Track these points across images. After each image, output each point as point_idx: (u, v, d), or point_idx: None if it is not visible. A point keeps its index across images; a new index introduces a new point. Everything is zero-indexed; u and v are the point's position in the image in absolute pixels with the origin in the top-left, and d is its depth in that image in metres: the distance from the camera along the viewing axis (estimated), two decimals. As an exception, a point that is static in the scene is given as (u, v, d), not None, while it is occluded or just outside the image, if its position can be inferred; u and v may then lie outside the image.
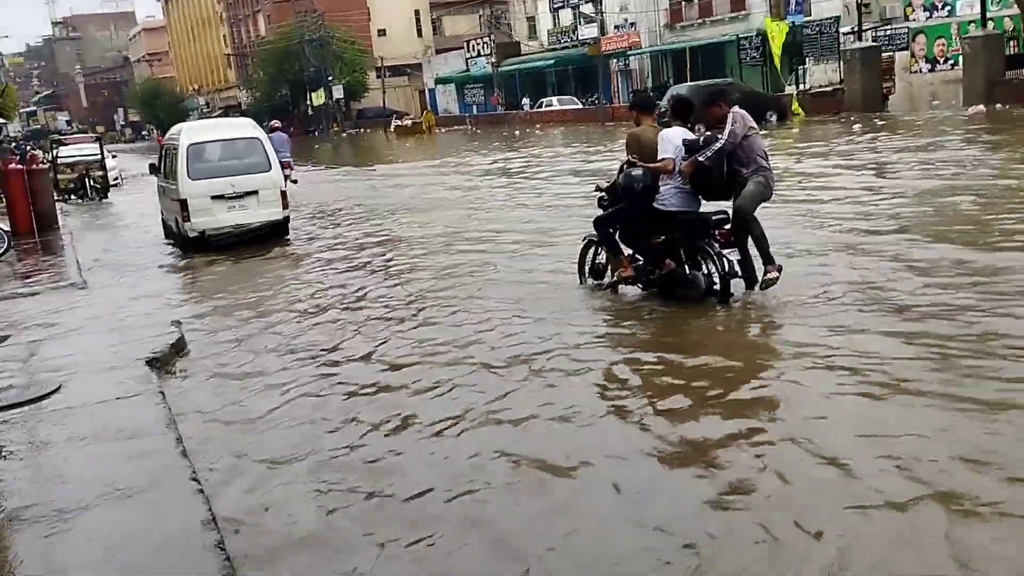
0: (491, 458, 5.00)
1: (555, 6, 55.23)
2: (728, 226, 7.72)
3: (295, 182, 18.67)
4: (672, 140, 7.76)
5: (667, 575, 3.73)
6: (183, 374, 7.27)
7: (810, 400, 5.36)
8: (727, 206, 7.75)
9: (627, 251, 8.29)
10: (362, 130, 64.09)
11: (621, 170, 8.11)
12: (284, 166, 15.96)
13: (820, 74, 31.56)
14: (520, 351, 6.89)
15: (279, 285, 10.78)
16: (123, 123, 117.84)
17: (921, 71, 38.66)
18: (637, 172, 7.84)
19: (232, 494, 4.84)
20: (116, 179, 30.22)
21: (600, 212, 8.51)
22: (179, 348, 7.90)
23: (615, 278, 8.34)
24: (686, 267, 7.91)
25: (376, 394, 6.34)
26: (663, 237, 7.91)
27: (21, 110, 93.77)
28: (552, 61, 53.82)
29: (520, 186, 19.37)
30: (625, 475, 4.63)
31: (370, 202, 19.08)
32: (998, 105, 22.89)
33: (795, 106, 29.60)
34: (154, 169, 15.46)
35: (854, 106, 27.13)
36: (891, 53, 31.68)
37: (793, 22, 31.31)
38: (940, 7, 37.95)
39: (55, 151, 27.37)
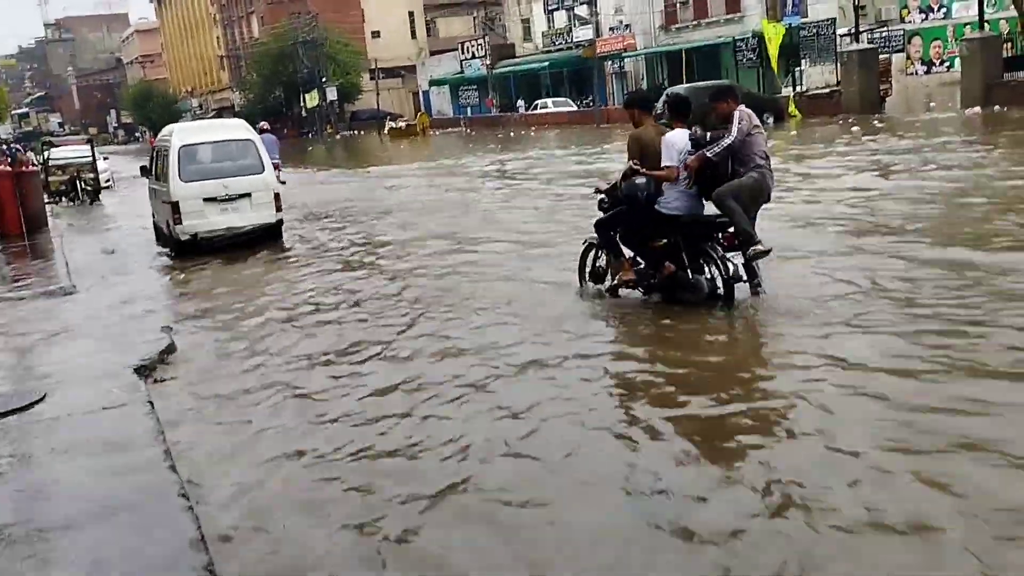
0: (492, 463, 4.84)
1: (550, 8, 55.04)
2: (731, 229, 7.54)
3: (283, 183, 18.46)
4: (675, 145, 7.56)
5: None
6: (173, 382, 7.04)
7: (817, 407, 5.18)
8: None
9: (628, 254, 8.11)
10: (356, 132, 63.90)
11: (625, 176, 7.89)
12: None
13: (817, 76, 31.47)
14: (518, 357, 6.70)
15: (272, 289, 10.55)
16: (116, 125, 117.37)
17: (917, 73, 38.57)
18: (641, 181, 7.64)
19: (223, 511, 4.63)
20: (108, 181, 29.95)
21: (601, 214, 8.34)
22: (169, 354, 7.68)
23: (616, 281, 8.14)
24: (689, 271, 7.73)
25: (374, 401, 6.13)
26: (665, 240, 7.73)
27: (13, 112, 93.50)
28: (547, 63, 53.68)
29: (517, 188, 19.20)
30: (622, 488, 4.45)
31: (365, 204, 18.87)
32: (996, 107, 22.80)
33: (792, 108, 29.49)
34: (145, 171, 15.22)
35: (851, 108, 27.02)
36: (888, 55, 31.58)
37: (790, 24, 31.19)
38: (936, 9, 37.87)
39: (46, 153, 27.10)
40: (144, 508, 4.49)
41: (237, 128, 14.74)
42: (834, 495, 4.13)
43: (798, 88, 31.15)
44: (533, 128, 44.89)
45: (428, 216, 15.66)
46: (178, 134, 13.89)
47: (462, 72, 61.36)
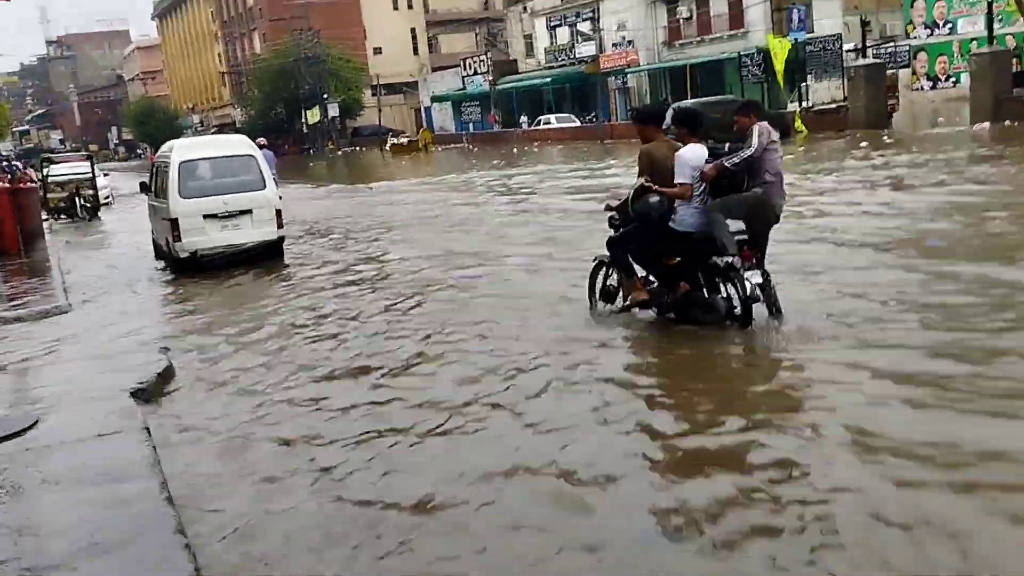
0: (495, 488, 4.56)
1: (552, 24, 55.08)
2: (747, 248, 7.25)
3: (280, 198, 18.22)
4: (690, 162, 7.29)
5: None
6: (170, 406, 6.74)
7: (834, 436, 4.92)
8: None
9: (641, 273, 7.83)
10: (357, 148, 63.78)
11: (636, 193, 7.61)
12: None
13: (823, 91, 31.28)
14: (526, 381, 6.42)
15: (273, 308, 10.27)
16: (116, 142, 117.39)
17: (922, 88, 38.39)
18: (654, 199, 7.35)
19: (222, 548, 4.33)
20: (107, 198, 29.76)
21: (611, 232, 8.06)
22: (166, 377, 7.39)
23: (628, 301, 7.85)
24: (704, 290, 7.45)
25: (381, 429, 5.84)
26: (679, 259, 7.46)
27: (14, 128, 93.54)
28: (549, 79, 53.59)
29: (523, 204, 18.94)
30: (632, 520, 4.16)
31: (368, 221, 18.63)
32: (1006, 122, 22.58)
33: (798, 123, 29.28)
34: (145, 187, 14.97)
35: (858, 123, 26.81)
36: (894, 70, 31.42)
37: (795, 39, 31.01)
38: (941, 25, 37.72)
39: (45, 170, 26.91)
40: (139, 544, 4.20)
41: (238, 144, 14.50)
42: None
43: (804, 103, 30.96)
44: (536, 144, 44.72)
45: (432, 232, 15.41)
46: (178, 150, 13.65)
47: (464, 88, 61.27)
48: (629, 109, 49.37)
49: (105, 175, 32.58)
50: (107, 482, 4.91)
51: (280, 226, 13.41)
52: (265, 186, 13.33)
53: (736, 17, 43.96)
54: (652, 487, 4.61)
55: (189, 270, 12.95)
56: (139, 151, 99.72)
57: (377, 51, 74.26)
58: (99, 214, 26.35)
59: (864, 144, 22.46)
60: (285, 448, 5.66)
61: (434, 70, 70.92)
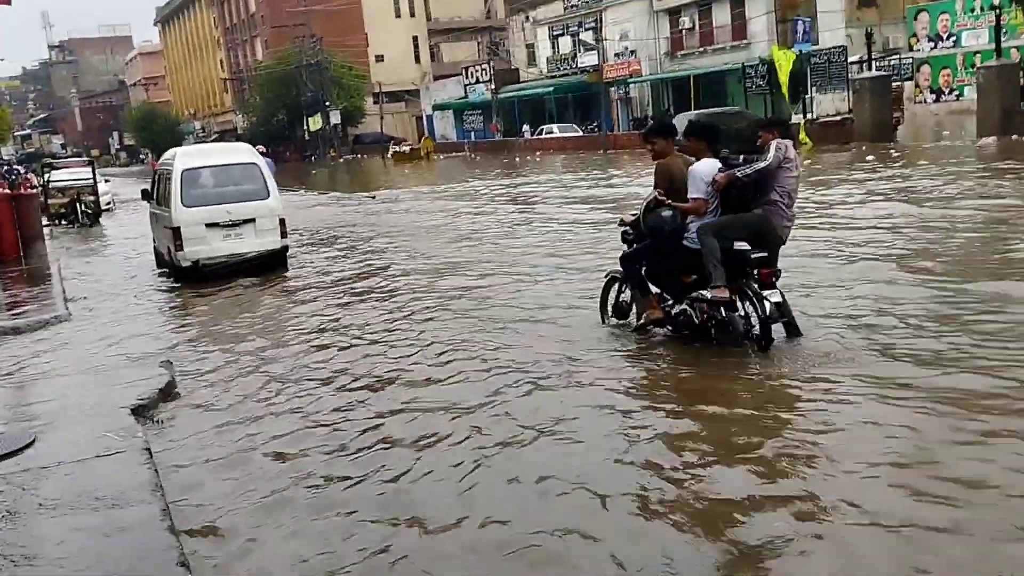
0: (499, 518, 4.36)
1: (555, 33, 55.01)
2: (767, 267, 7.06)
3: None
4: (704, 176, 7.11)
5: None
6: (172, 424, 6.54)
7: (852, 469, 4.72)
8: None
9: (655, 290, 7.64)
10: (359, 156, 63.66)
11: (648, 208, 7.43)
12: None
13: (827, 103, 31.15)
14: (536, 403, 6.22)
15: (278, 320, 10.09)
16: (118, 147, 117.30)
17: (926, 101, 38.29)
18: (667, 214, 7.18)
19: (227, 579, 4.15)
20: (108, 204, 29.62)
21: (624, 248, 7.89)
22: (168, 393, 7.20)
23: (643, 320, 7.66)
24: (722, 308, 7.26)
25: (387, 448, 5.66)
26: (695, 276, 7.27)
27: (15, 133, 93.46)
28: (551, 88, 53.50)
29: (527, 213, 18.78)
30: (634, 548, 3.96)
31: (371, 229, 18.47)
32: (1014, 136, 22.42)
33: (803, 135, 29.15)
34: (146, 195, 14.81)
35: (863, 136, 26.67)
36: (899, 83, 31.30)
37: (800, 50, 30.90)
38: (945, 38, 37.63)
39: (46, 175, 26.77)
40: (139, 576, 4.01)
41: (241, 152, 14.34)
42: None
43: (809, 115, 30.82)
44: (538, 153, 44.60)
45: (438, 242, 15.23)
46: (180, 158, 13.49)
47: (466, 97, 61.21)
48: (632, 119, 49.35)
49: (106, 181, 32.47)
50: (107, 507, 4.71)
51: (284, 235, 13.24)
52: (269, 195, 13.17)
53: (739, 28, 43.93)
54: (668, 527, 4.40)
55: (191, 279, 12.77)
56: (141, 156, 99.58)
57: (379, 59, 74.23)
58: (100, 220, 26.19)
59: (871, 157, 22.33)
60: (291, 467, 5.46)
61: (436, 78, 70.89)
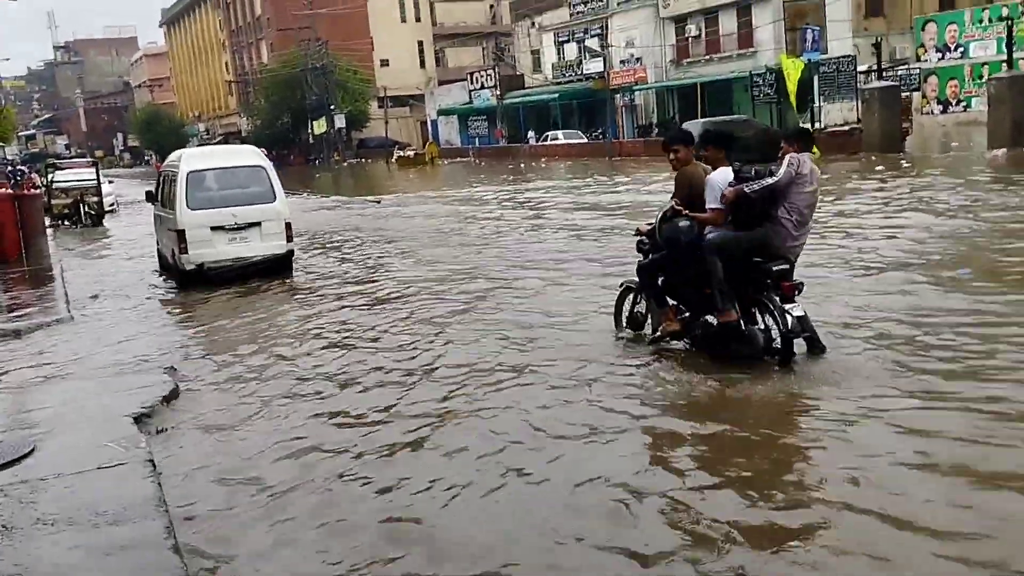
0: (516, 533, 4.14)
1: (560, 40, 54.87)
2: (788, 280, 6.86)
3: None
4: (721, 186, 6.91)
5: None
6: (176, 434, 6.35)
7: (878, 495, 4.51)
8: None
9: (670, 302, 7.45)
10: (363, 160, 63.55)
11: (664, 218, 7.24)
12: None
13: (835, 113, 30.97)
14: (547, 417, 6.03)
15: (284, 325, 9.90)
16: (122, 148, 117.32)
17: (933, 112, 38.16)
18: (684, 224, 6.98)
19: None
20: (112, 205, 29.47)
21: (640, 257, 7.70)
22: (172, 401, 7.01)
23: (659, 332, 7.45)
24: (741, 321, 7.06)
25: (396, 458, 5.48)
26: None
27: (20, 133, 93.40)
28: (556, 95, 53.34)
29: (536, 219, 18.59)
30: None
31: (377, 234, 18.30)
32: (1024, 148, 22.26)
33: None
34: (151, 197, 14.63)
35: (872, 146, 26.47)
36: (908, 93, 31.13)
37: (809, 59, 30.72)
38: (953, 49, 37.51)
39: (50, 176, 26.64)
40: (141, 599, 3.82)
41: (248, 154, 14.17)
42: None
43: (817, 125, 30.65)
44: (543, 159, 44.44)
45: (446, 248, 15.04)
46: (186, 160, 13.31)
47: (471, 102, 61.08)
48: (636, 127, 49.21)
49: (110, 182, 32.33)
50: (107, 523, 4.52)
51: (290, 239, 13.05)
52: (275, 198, 12.98)
53: (745, 37, 43.79)
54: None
55: (195, 283, 12.58)
56: (146, 158, 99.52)
57: (384, 63, 74.15)
58: (103, 221, 26.04)
59: (880, 167, 22.13)
60: (301, 480, 5.27)
61: (441, 83, 70.81)
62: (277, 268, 13.07)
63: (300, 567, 4.26)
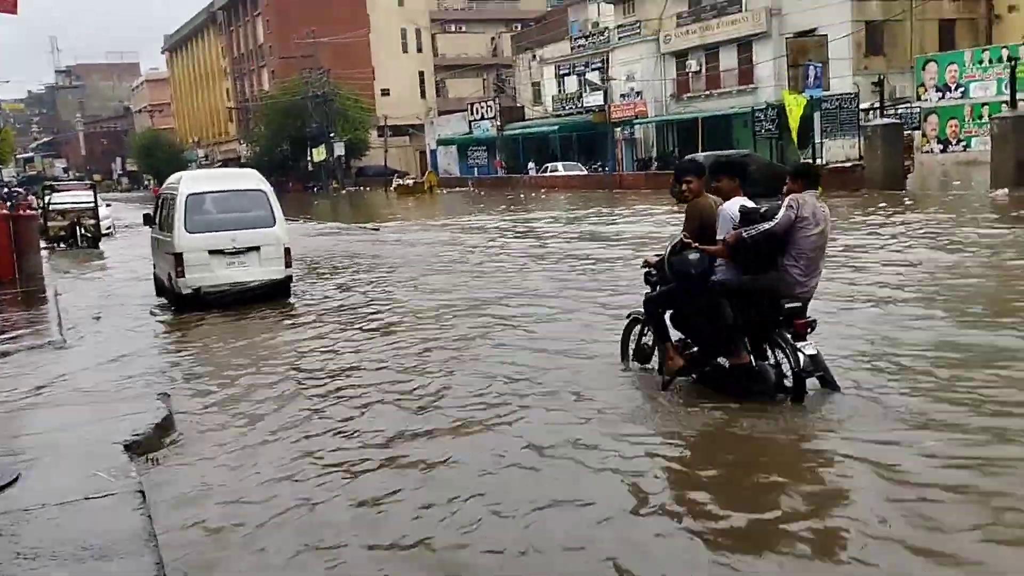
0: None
1: (561, 73, 55.13)
2: (800, 318, 6.64)
3: None
4: (733, 216, 6.73)
5: None
6: (168, 464, 6.09)
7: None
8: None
9: (676, 335, 7.22)
10: (362, 188, 63.55)
11: (674, 250, 7.03)
12: None
13: (836, 149, 30.96)
14: (547, 447, 5.82)
15: (281, 351, 9.65)
16: (121, 172, 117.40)
17: (933, 151, 38.26)
18: (694, 257, 6.75)
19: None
20: (109, 228, 29.26)
21: (648, 290, 7.49)
22: (165, 429, 6.75)
23: (665, 376, 7.16)
24: (751, 357, 6.85)
25: (399, 501, 5.22)
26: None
27: (18, 155, 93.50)
28: (556, 127, 53.50)
29: (539, 248, 18.40)
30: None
31: (376, 261, 18.10)
32: (1030, 188, 22.18)
33: (811, 181, 28.87)
34: (149, 220, 14.43)
35: (874, 183, 26.40)
36: (909, 132, 31.16)
37: (811, 95, 30.76)
38: (953, 88, 37.69)
39: (47, 198, 26.49)
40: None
41: (248, 178, 13.97)
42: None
43: (819, 161, 30.62)
44: (543, 191, 44.40)
45: (445, 276, 14.83)
46: (186, 182, 13.13)
47: (471, 132, 61.26)
48: (636, 160, 49.29)
49: (107, 205, 32.17)
50: (94, 558, 4.26)
51: (288, 265, 12.84)
52: (275, 223, 12.79)
53: (745, 73, 44.02)
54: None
55: (192, 307, 12.34)
56: (146, 183, 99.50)
57: (385, 92, 74.48)
58: (100, 244, 25.82)
59: (883, 204, 22.02)
60: (297, 516, 5.02)
61: (441, 113, 71.08)
62: (275, 293, 12.85)
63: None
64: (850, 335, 8.37)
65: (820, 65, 31.12)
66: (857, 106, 31.39)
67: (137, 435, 6.36)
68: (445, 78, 77.84)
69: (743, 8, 43.41)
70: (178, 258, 12.26)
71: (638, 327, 7.75)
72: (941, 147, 38.38)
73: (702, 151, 34.87)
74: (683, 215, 7.18)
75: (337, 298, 13.42)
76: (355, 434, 6.53)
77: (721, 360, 6.84)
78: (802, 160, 32.24)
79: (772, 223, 6.42)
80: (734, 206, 6.80)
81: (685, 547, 4.40)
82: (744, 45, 44.02)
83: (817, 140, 32.13)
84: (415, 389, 7.67)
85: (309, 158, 66.94)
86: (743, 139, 39.96)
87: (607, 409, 6.64)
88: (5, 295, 14.75)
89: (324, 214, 38.21)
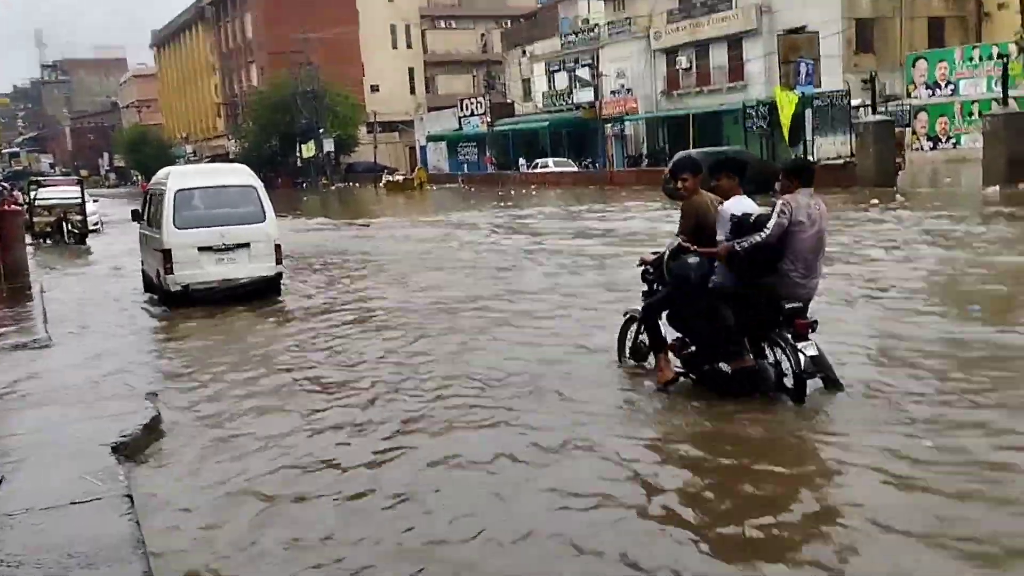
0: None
1: (551, 69, 54.95)
2: (801, 318, 6.52)
3: None
4: (736, 215, 6.60)
5: None
6: (158, 466, 5.94)
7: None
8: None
9: (675, 334, 7.10)
10: (351, 184, 63.26)
11: (672, 255, 6.89)
12: None
13: (827, 146, 30.93)
14: (540, 443, 5.72)
15: (270, 350, 9.48)
16: (108, 168, 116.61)
17: (923, 148, 38.32)
18: (693, 260, 6.65)
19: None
20: (96, 224, 28.95)
21: (644, 288, 7.37)
22: (154, 429, 6.59)
23: (657, 386, 7.02)
24: (750, 355, 6.75)
25: (393, 505, 5.09)
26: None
27: (3, 150, 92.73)
28: (547, 123, 53.34)
29: (532, 245, 18.25)
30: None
31: (367, 258, 17.92)
32: (1020, 185, 22.14)
33: (802, 178, 28.80)
34: (137, 215, 14.23)
35: (866, 180, 26.35)
36: (900, 129, 31.15)
37: (803, 92, 30.72)
38: (943, 86, 37.75)
39: (33, 193, 26.18)
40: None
41: (238, 173, 13.79)
42: None
43: (810, 158, 30.58)
44: (533, 187, 44.25)
45: (439, 273, 14.69)
46: (175, 177, 12.94)
47: (460, 129, 61.03)
48: (626, 156, 49.18)
49: (95, 201, 31.84)
50: (80, 566, 4.11)
51: (279, 261, 12.67)
52: (265, 218, 12.61)
53: (736, 70, 43.96)
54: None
55: (180, 304, 12.16)
56: (135, 178, 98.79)
57: (375, 88, 74.16)
58: (87, 240, 25.54)
59: (876, 201, 21.97)
60: (290, 516, 4.88)
61: (431, 109, 70.82)
62: (265, 290, 12.67)
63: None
64: (851, 332, 8.28)
65: (811, 62, 31.12)
66: (848, 103, 31.37)
67: (125, 436, 6.21)
68: (435, 74, 77.57)
69: (733, 5, 43.32)
70: (166, 254, 12.07)
71: (635, 325, 7.63)
72: (931, 144, 38.46)
73: (693, 148, 34.87)
74: (677, 213, 7.06)
75: (328, 295, 13.26)
76: (347, 430, 6.41)
77: (723, 365, 6.72)
78: (794, 157, 32.23)
79: (763, 235, 6.28)
80: (734, 205, 6.68)
81: (675, 551, 4.27)
82: (734, 42, 43.96)
83: (808, 137, 32.11)
84: (406, 382, 7.55)
85: (298, 154, 66.60)
86: (734, 136, 39.93)
87: (602, 409, 6.53)
88: (-10, 292, 14.52)
89: (313, 210, 37.94)
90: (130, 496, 5.00)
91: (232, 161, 63.18)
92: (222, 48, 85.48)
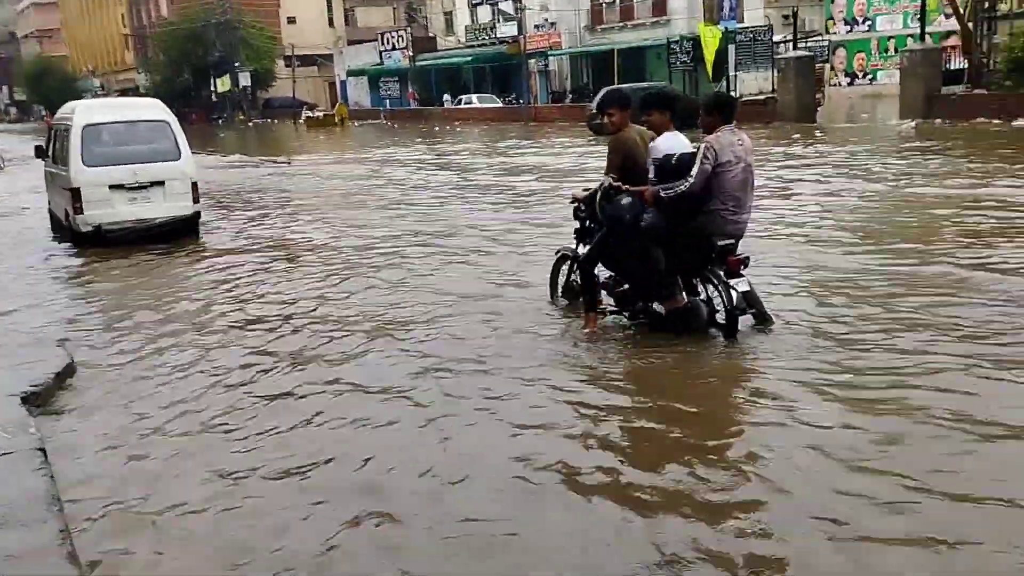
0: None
1: (474, 2, 53.96)
2: (733, 255, 6.49)
3: None
4: (668, 152, 6.48)
5: None
6: (72, 416, 5.66)
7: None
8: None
9: (608, 273, 7.03)
10: (270, 120, 61.51)
11: (607, 195, 6.71)
12: None
13: (750, 82, 31.16)
14: (469, 393, 5.60)
15: (189, 292, 9.13)
16: (8, 102, 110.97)
17: (840, 84, 38.95)
18: (626, 201, 6.48)
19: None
20: (-2, 163, 27.56)
21: (576, 224, 7.23)
22: (66, 378, 6.28)
23: (583, 336, 6.93)
24: (683, 293, 6.72)
25: (314, 431, 4.96)
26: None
27: None
28: (470, 58, 52.55)
29: (461, 182, 17.99)
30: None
31: (290, 196, 17.45)
32: (936, 120, 22.69)
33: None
34: (41, 152, 13.49)
35: (787, 116, 26.70)
36: (821, 65, 31.54)
37: (726, 28, 30.78)
38: (861, 22, 38.26)
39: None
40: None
41: (151, 108, 13.14)
42: None
43: (732, 93, 30.78)
44: (458, 123, 43.70)
45: (363, 211, 14.38)
46: (81, 112, 12.26)
47: (382, 63, 59.70)
48: (551, 92, 48.86)
49: (-6, 137, 30.26)
50: (-10, 526, 3.87)
51: (196, 200, 12.19)
52: (180, 156, 12.08)
53: (660, 4, 43.80)
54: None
55: (92, 245, 11.63)
56: (43, 113, 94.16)
57: (291, 21, 71.80)
58: (-12, 180, 24.31)
59: (797, 136, 22.28)
60: (209, 468, 4.69)
61: (350, 43, 68.99)
62: (182, 231, 12.20)
63: (205, 567, 3.72)
64: (778, 264, 8.36)
65: (735, -3, 31.12)
66: (771, 39, 31.56)
67: (36, 386, 5.89)
68: (354, 7, 75.39)
69: (657, -62, 43.01)
70: (75, 193, 11.49)
71: (566, 264, 7.54)
72: (848, 80, 39.13)
73: (616, 83, 34.77)
74: (604, 148, 6.90)
75: (249, 235, 12.86)
76: (266, 374, 6.21)
77: (656, 306, 6.68)
78: (716, 91, 32.36)
79: (687, 184, 6.15)
80: (665, 141, 6.56)
81: (593, 499, 4.20)
82: (658, -24, 43.75)
83: (731, 73, 32.27)
84: (331, 319, 7.36)
85: (213, 88, 64.36)
86: (657, 71, 39.93)
87: (530, 349, 6.43)
88: None
89: (231, 147, 36.79)
90: (43, 449, 4.74)
91: (143, 95, 60.81)
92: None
